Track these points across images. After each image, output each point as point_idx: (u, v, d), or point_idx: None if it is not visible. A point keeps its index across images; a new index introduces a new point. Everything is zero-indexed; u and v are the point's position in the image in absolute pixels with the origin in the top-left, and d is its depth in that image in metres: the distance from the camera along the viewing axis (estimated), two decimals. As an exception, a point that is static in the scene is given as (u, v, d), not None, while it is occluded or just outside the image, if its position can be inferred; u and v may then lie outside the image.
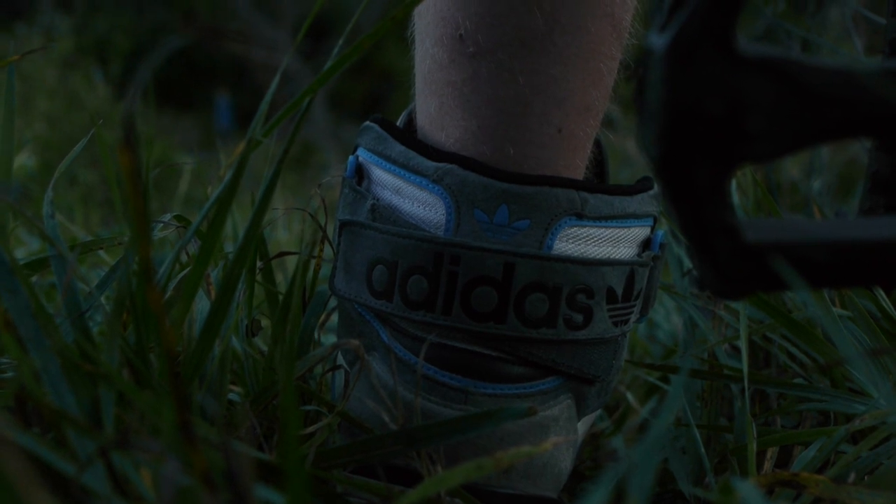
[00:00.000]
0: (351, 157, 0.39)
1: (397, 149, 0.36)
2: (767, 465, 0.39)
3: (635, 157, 1.76)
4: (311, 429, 0.33)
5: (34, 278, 0.37)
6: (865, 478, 0.34)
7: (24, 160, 1.69)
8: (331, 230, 0.41)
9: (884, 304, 0.42)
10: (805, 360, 0.45)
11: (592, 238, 0.35)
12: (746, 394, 0.39)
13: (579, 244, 0.35)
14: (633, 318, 0.39)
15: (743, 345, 0.41)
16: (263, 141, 0.32)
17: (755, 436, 0.38)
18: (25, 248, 0.99)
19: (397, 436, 0.30)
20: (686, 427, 0.41)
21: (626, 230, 0.37)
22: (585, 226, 0.35)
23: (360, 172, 0.38)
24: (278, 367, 0.36)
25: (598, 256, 0.36)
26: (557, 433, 0.36)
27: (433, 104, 0.37)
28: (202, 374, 0.32)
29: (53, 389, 0.26)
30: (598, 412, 0.41)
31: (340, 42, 0.33)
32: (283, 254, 0.46)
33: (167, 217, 0.39)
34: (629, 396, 0.56)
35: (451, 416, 0.34)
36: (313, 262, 0.42)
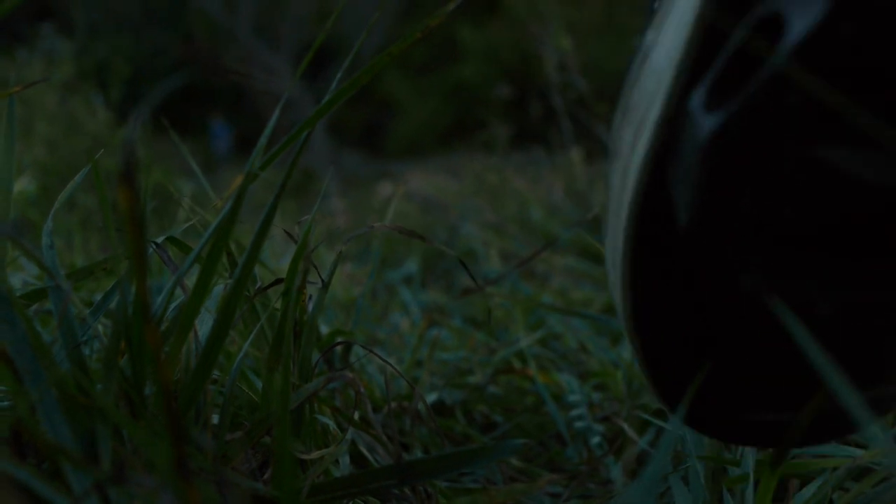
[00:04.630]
0: None
1: None
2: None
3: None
4: (314, 454, 0.33)
5: (32, 307, 0.37)
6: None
7: (24, 185, 1.68)
8: (321, 256, 0.41)
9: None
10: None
11: None
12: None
13: None
14: None
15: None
16: (261, 174, 0.32)
17: (764, 468, 0.37)
18: (24, 273, 0.98)
19: (391, 470, 0.30)
20: (687, 458, 0.41)
21: None
22: None
23: None
24: (272, 399, 0.36)
25: None
26: None
27: None
28: (198, 407, 0.31)
29: (49, 422, 0.26)
30: None
31: (339, 74, 0.33)
32: (279, 281, 0.46)
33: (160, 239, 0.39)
34: (626, 428, 0.56)
35: None
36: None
